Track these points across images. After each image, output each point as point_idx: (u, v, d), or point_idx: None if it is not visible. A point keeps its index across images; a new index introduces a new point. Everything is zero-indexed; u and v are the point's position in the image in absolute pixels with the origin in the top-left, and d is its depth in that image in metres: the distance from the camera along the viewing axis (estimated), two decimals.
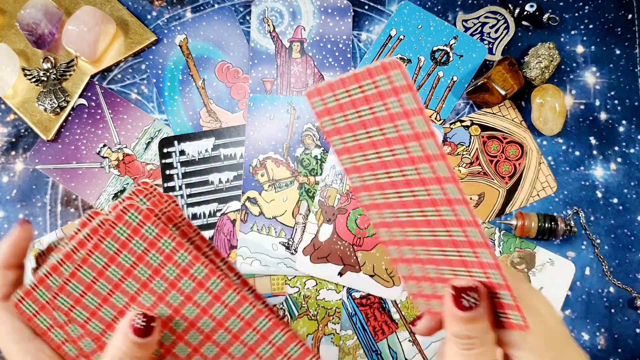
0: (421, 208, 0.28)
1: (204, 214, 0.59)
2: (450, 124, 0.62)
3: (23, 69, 0.60)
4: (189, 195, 0.59)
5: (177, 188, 0.59)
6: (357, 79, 0.26)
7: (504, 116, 0.62)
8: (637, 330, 0.59)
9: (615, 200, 0.61)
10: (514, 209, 0.60)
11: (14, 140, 0.60)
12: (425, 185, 0.27)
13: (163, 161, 0.59)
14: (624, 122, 0.62)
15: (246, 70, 0.62)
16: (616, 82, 0.63)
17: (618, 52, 0.63)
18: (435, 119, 0.61)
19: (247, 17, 0.63)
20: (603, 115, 0.62)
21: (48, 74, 0.60)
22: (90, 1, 0.62)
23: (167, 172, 0.59)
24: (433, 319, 0.34)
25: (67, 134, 0.60)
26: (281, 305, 0.58)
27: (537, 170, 0.61)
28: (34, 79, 0.60)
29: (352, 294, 0.58)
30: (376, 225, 0.31)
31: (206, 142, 0.60)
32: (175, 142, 0.60)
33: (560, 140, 0.62)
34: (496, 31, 0.63)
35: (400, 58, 0.62)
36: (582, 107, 0.62)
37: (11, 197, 0.59)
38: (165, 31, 0.62)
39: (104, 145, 0.60)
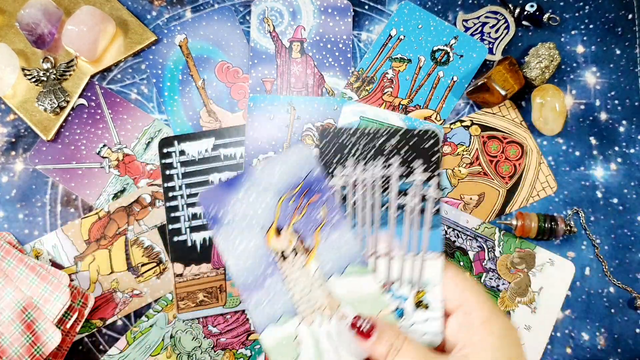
0: None
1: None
2: (451, 124, 0.62)
3: (23, 69, 0.60)
4: (189, 195, 0.59)
5: (177, 188, 0.59)
6: None
7: (504, 116, 0.62)
8: (637, 330, 0.59)
9: (615, 201, 0.61)
10: (514, 209, 0.60)
11: (13, 140, 0.60)
12: None
13: (163, 161, 0.59)
14: (624, 122, 0.62)
15: (246, 70, 0.62)
16: (616, 82, 0.63)
17: (618, 52, 0.63)
18: (436, 119, 0.61)
19: (247, 17, 0.63)
20: (603, 115, 0.62)
21: (48, 74, 0.60)
22: (90, 1, 0.62)
23: (167, 172, 0.59)
24: None
25: (67, 134, 0.60)
26: None
27: (537, 170, 0.61)
28: (34, 79, 0.60)
29: None
30: None
31: (206, 142, 0.60)
32: (175, 142, 0.60)
33: (561, 140, 0.62)
34: (496, 31, 0.63)
35: (400, 58, 0.62)
36: (583, 107, 0.62)
37: (11, 197, 0.59)
38: (165, 31, 0.62)
39: (104, 145, 0.60)
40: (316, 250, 0.40)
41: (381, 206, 0.40)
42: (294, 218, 0.40)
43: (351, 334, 0.36)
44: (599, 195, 0.61)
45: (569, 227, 0.58)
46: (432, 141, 0.40)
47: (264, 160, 0.41)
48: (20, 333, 0.50)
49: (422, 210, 0.40)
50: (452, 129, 0.62)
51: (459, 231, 0.60)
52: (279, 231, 0.40)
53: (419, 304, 0.39)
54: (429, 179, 0.40)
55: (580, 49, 0.63)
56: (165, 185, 0.59)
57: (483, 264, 0.59)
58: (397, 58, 0.62)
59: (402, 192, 0.40)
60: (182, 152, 0.60)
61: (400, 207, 0.40)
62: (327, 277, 0.39)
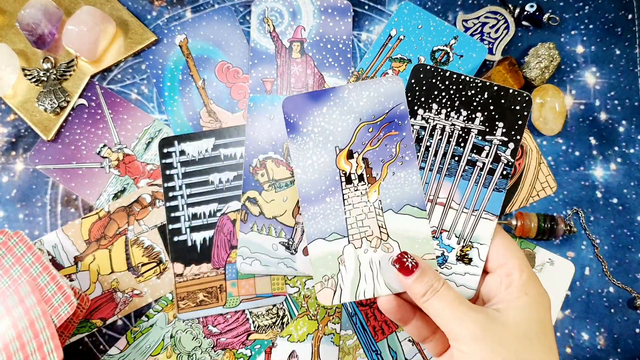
0: None
1: (204, 214, 0.59)
2: None
3: (23, 69, 0.60)
4: (189, 195, 0.59)
5: (177, 188, 0.59)
6: None
7: None
8: (637, 330, 0.59)
9: (615, 200, 0.61)
10: (514, 209, 0.60)
11: (14, 140, 0.60)
12: None
13: (163, 161, 0.59)
14: (624, 122, 0.62)
15: (246, 70, 0.62)
16: (616, 82, 0.63)
17: (618, 52, 0.63)
18: None
19: (247, 17, 0.63)
20: (603, 115, 0.62)
21: (48, 74, 0.60)
22: (90, 1, 0.62)
23: (167, 172, 0.59)
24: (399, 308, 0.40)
25: (67, 134, 0.60)
26: (281, 305, 0.58)
27: (537, 170, 0.61)
28: (34, 79, 0.60)
29: None
30: None
31: (206, 142, 0.60)
32: (175, 142, 0.60)
33: (560, 140, 0.62)
34: (496, 31, 0.63)
35: (400, 58, 0.62)
36: (582, 107, 0.62)
37: (11, 197, 0.59)
38: (165, 31, 0.62)
39: (104, 145, 0.60)
40: (381, 182, 0.41)
41: (452, 157, 0.40)
42: (368, 146, 0.41)
43: (394, 268, 0.38)
44: (599, 195, 0.61)
45: (568, 227, 0.58)
46: (524, 104, 0.40)
47: (355, 83, 0.42)
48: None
49: (492, 171, 0.40)
50: None
51: None
52: (351, 154, 0.41)
53: (463, 257, 0.40)
54: (507, 142, 0.40)
55: (580, 49, 0.63)
56: (166, 185, 0.59)
57: None
58: (397, 58, 0.62)
59: (477, 148, 0.40)
60: (182, 152, 0.60)
61: (471, 163, 0.40)
62: (384, 210, 0.40)
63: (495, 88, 0.40)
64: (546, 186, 0.61)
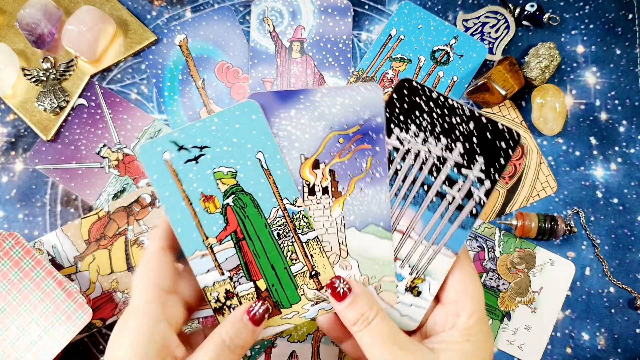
0: None
1: None
2: None
3: (23, 69, 0.60)
4: None
5: None
6: None
7: (504, 116, 0.62)
8: (637, 330, 0.59)
9: (615, 200, 0.61)
10: (514, 209, 0.60)
11: (13, 140, 0.60)
12: None
13: None
14: (624, 122, 0.62)
15: (246, 70, 0.62)
16: (616, 82, 0.63)
17: (618, 52, 0.63)
18: None
19: (247, 17, 0.63)
20: (603, 115, 0.62)
21: (48, 74, 0.60)
22: (90, 1, 0.62)
23: None
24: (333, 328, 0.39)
25: (67, 134, 0.60)
26: None
27: (537, 170, 0.61)
28: (34, 79, 0.60)
29: None
30: None
31: None
32: None
33: (561, 140, 0.62)
34: (496, 31, 0.63)
35: (400, 58, 0.62)
36: (583, 107, 0.62)
37: (11, 197, 0.59)
38: (165, 31, 0.62)
39: (104, 145, 0.60)
40: (347, 197, 0.38)
41: (422, 185, 0.38)
42: (337, 157, 0.38)
43: (327, 292, 0.36)
44: (599, 195, 0.61)
45: (569, 227, 0.58)
46: (510, 142, 0.37)
47: (329, 86, 0.40)
48: None
49: (460, 207, 0.37)
50: None
51: None
52: (317, 164, 0.38)
53: (412, 289, 0.38)
54: (484, 179, 0.37)
55: (580, 49, 0.63)
56: None
57: (483, 264, 0.59)
58: (397, 58, 0.62)
59: (450, 181, 0.37)
60: None
61: (441, 195, 0.37)
62: (346, 226, 0.38)
63: (484, 120, 0.37)
64: (546, 186, 0.61)
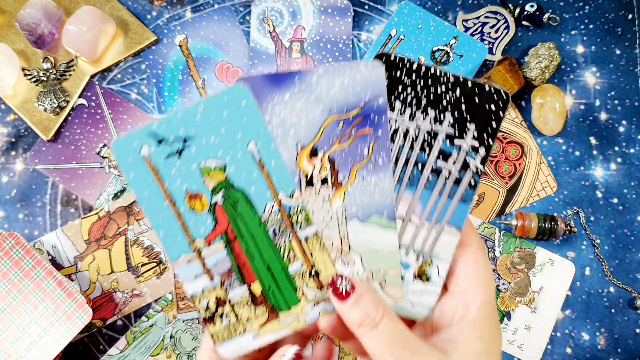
0: None
1: None
2: None
3: (23, 69, 0.60)
4: None
5: None
6: None
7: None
8: (637, 330, 0.59)
9: (615, 200, 0.61)
10: (514, 209, 0.60)
11: (14, 140, 0.60)
12: None
13: None
14: (624, 122, 0.62)
15: (246, 70, 0.62)
16: (616, 82, 0.63)
17: (618, 52, 0.63)
18: None
19: (247, 17, 0.63)
20: (603, 115, 0.62)
21: (48, 74, 0.60)
22: (90, 1, 0.62)
23: None
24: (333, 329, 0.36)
25: (67, 134, 0.60)
26: None
27: (537, 170, 0.61)
28: (34, 79, 0.60)
29: None
30: None
31: None
32: None
33: (561, 140, 0.62)
34: (496, 31, 0.63)
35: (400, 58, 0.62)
36: (582, 107, 0.62)
37: (11, 197, 0.59)
38: (165, 31, 0.62)
39: (104, 145, 0.60)
40: (348, 187, 0.35)
41: (415, 164, 0.35)
42: (336, 144, 0.35)
43: (328, 292, 0.33)
44: (599, 195, 0.61)
45: (569, 227, 0.58)
46: (500, 103, 0.35)
47: (326, 65, 0.36)
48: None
49: (458, 180, 0.35)
50: None
51: None
52: (315, 152, 0.35)
53: (420, 275, 0.35)
54: (478, 147, 0.35)
55: (580, 49, 0.63)
56: None
57: None
58: None
59: (444, 155, 0.35)
60: None
61: (436, 171, 0.35)
62: (348, 218, 0.35)
63: (470, 84, 0.35)
64: (546, 186, 0.61)
